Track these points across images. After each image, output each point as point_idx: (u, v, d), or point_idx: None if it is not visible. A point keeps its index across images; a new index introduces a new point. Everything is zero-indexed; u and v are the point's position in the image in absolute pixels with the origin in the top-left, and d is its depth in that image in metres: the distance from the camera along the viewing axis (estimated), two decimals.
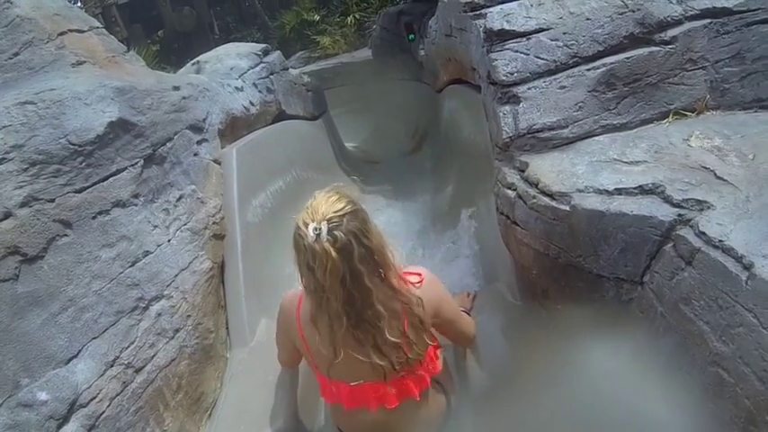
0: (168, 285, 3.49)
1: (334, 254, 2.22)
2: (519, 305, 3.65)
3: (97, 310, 2.99)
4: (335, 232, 2.24)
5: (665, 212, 2.54)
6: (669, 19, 3.54)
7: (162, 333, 3.32)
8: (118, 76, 3.98)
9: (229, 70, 5.88)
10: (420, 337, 2.59)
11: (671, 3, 3.61)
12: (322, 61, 13.73)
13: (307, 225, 2.27)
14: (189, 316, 3.56)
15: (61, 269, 2.90)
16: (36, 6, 4.00)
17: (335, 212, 2.28)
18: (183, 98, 4.45)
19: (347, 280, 2.30)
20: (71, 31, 4.11)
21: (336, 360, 2.50)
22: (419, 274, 2.65)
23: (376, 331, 2.44)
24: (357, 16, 15.05)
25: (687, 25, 3.52)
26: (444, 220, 5.84)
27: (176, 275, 3.59)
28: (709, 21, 3.51)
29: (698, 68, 3.49)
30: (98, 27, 4.53)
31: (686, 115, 3.42)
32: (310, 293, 2.46)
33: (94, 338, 2.92)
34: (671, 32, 3.51)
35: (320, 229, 2.23)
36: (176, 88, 4.45)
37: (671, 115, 3.43)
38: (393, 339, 2.46)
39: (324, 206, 2.31)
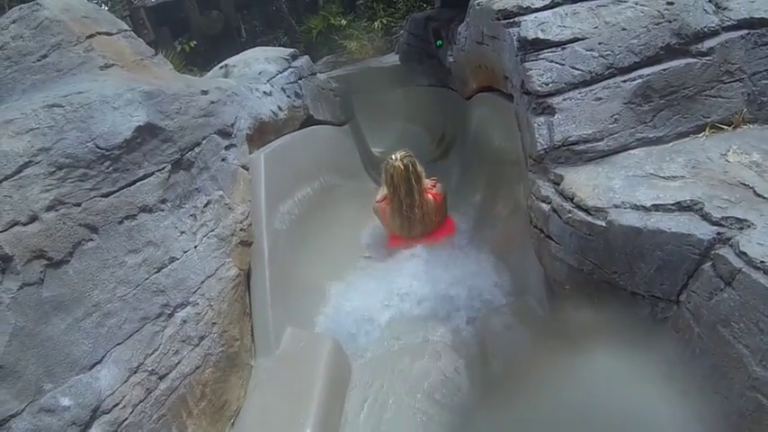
0: (194, 292, 3.47)
1: (401, 166, 5.34)
2: (550, 320, 3.58)
3: (122, 316, 2.98)
4: (404, 159, 5.37)
5: (703, 230, 2.46)
6: (706, 30, 3.48)
7: (187, 340, 3.30)
8: (146, 79, 3.97)
9: (258, 74, 5.87)
10: (440, 213, 5.82)
11: (707, 13, 3.54)
12: (349, 66, 13.65)
13: (392, 156, 5.44)
14: (214, 323, 3.53)
15: (86, 274, 2.89)
16: (65, 9, 4.01)
17: (404, 155, 5.43)
18: (212, 102, 4.44)
19: (408, 180, 5.36)
20: (99, 33, 4.12)
21: (402, 228, 5.67)
22: (437, 194, 5.71)
23: (420, 211, 5.51)
24: (384, 21, 15.00)
25: (724, 36, 3.46)
26: (473, 230, 5.78)
27: (202, 282, 3.57)
28: (746, 32, 3.45)
29: (735, 81, 3.42)
30: (126, 30, 4.53)
31: (723, 129, 3.34)
32: (389, 193, 5.56)
33: (118, 344, 2.91)
34: (708, 43, 3.45)
35: (398, 157, 5.38)
36: (205, 92, 4.44)
37: (707, 129, 3.35)
38: (426, 213, 5.59)
39: (399, 152, 5.48)
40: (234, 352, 3.66)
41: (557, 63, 3.52)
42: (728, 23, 3.49)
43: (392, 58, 12.70)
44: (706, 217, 2.53)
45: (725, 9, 3.55)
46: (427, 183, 5.65)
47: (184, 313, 3.35)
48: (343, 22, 15.63)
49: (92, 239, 2.97)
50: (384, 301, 4.84)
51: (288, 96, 6.02)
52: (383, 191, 5.73)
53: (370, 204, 6.54)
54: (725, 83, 3.42)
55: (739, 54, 3.42)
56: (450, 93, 8.83)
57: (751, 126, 3.35)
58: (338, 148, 7.38)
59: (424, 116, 10.53)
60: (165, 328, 3.20)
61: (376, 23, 14.85)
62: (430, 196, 5.57)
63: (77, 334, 2.74)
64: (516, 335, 3.67)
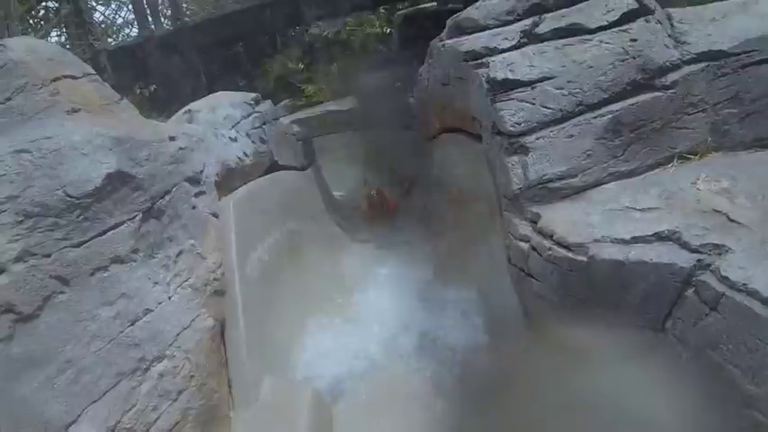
0: (170, 345, 3.37)
1: (377, 196, 8.87)
2: (532, 353, 3.57)
3: (96, 372, 2.87)
4: (377, 192, 8.90)
5: (684, 259, 2.53)
6: (668, 64, 3.61)
7: (165, 395, 3.19)
8: (114, 125, 3.87)
9: (223, 120, 5.77)
10: (395, 211, 8.77)
11: (668, 47, 3.67)
12: (308, 109, 13.73)
13: (372, 190, 8.99)
14: (192, 376, 3.42)
15: (58, 328, 2.78)
16: (30, 50, 3.88)
17: (378, 189, 8.93)
18: (180, 149, 4.36)
19: (381, 203, 8.84)
20: (65, 77, 4.00)
21: (376, 221, 8.54)
22: (394, 203, 9.02)
23: (387, 214, 8.72)
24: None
25: (686, 69, 3.60)
26: (444, 271, 5.77)
27: (178, 334, 3.46)
28: (706, 64, 3.59)
29: (698, 111, 3.56)
30: (92, 74, 4.41)
31: (689, 158, 3.46)
32: (370, 207, 8.91)
33: (94, 402, 2.79)
34: (671, 77, 3.59)
35: (374, 191, 8.93)
36: (173, 138, 4.35)
37: (676, 159, 3.47)
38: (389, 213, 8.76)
39: (374, 188, 8.99)
40: (213, 405, 3.55)
41: (527, 102, 3.57)
42: (688, 57, 3.64)
43: (351, 101, 12.79)
44: (685, 245, 2.60)
45: (684, 43, 3.70)
46: (389, 198, 8.94)
47: (161, 367, 3.24)
48: (301, 65, 15.73)
49: (63, 292, 2.87)
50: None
51: (253, 142, 5.95)
52: (365, 206, 8.90)
53: (335, 248, 7.30)
54: (689, 114, 3.55)
55: (701, 86, 3.56)
56: (412, 134, 8.88)
57: (716, 154, 3.49)
58: (303, 193, 7.34)
59: (384, 157, 10.56)
60: (142, 383, 3.09)
61: (333, 67, 14.99)
62: (390, 205, 8.93)
63: (50, 392, 2.63)
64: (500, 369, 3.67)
